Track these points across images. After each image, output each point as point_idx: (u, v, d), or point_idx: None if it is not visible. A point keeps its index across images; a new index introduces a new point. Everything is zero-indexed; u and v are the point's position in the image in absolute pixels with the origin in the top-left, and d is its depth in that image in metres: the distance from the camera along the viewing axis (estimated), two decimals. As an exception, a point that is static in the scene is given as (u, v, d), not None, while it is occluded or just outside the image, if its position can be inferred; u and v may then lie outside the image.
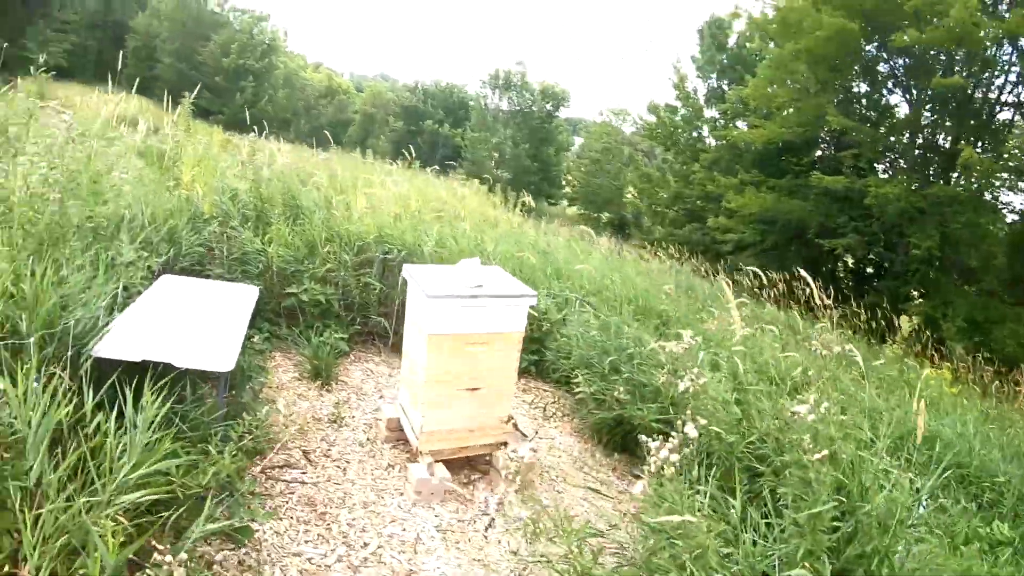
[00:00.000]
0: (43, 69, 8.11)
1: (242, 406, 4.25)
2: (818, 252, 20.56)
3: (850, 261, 21.87)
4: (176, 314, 3.87)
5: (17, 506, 2.23)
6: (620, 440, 5.31)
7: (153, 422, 2.69)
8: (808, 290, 11.31)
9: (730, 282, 12.54)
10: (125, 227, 4.73)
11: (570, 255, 10.70)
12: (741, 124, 27.16)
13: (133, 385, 2.90)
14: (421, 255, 6.55)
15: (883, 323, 12.60)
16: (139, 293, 4.11)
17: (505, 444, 4.43)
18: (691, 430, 2.23)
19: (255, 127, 10.20)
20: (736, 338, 4.85)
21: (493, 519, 4.09)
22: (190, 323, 3.79)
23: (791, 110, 20.65)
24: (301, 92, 53.67)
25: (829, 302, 8.59)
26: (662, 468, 2.29)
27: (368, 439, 4.81)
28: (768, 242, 21.15)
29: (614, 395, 5.04)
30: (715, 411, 3.89)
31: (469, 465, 4.63)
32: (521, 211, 13.29)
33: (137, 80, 8.78)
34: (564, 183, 46.65)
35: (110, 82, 7.84)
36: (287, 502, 3.92)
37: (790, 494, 2.98)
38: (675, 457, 2.16)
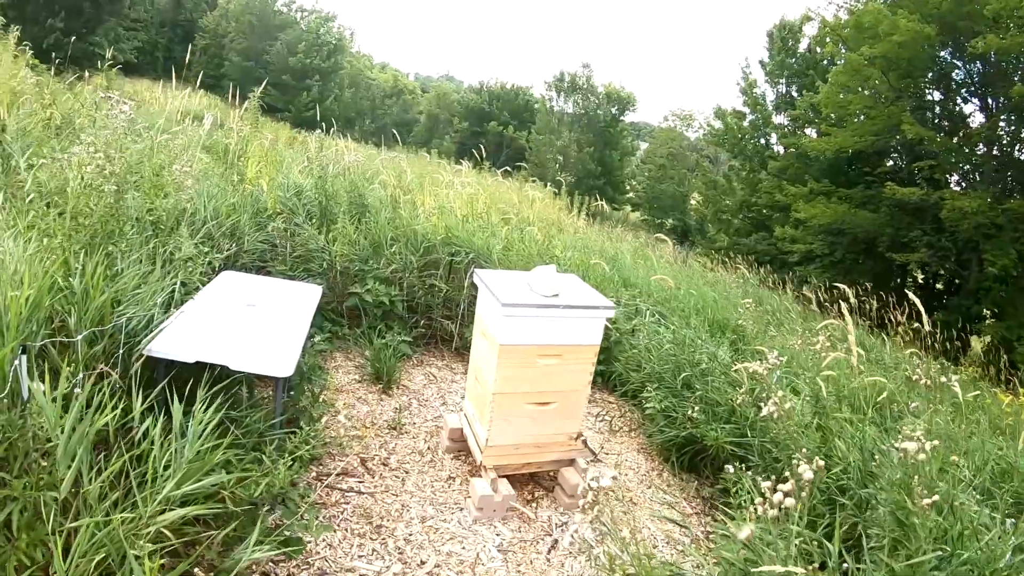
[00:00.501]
0: (110, 64, 8.15)
1: (301, 410, 4.08)
2: (886, 266, 19.83)
3: (920, 276, 21.08)
4: (235, 313, 3.71)
5: (49, 518, 2.06)
6: (689, 460, 5.02)
7: (205, 430, 2.51)
8: (878, 305, 10.92)
9: (800, 296, 12.19)
10: (186, 221, 4.60)
11: (637, 262, 10.42)
12: (810, 131, 26.43)
13: (188, 388, 2.74)
14: (489, 259, 6.33)
15: (958, 343, 11.95)
16: (198, 290, 3.96)
17: (573, 461, 4.19)
18: (807, 472, 1.94)
19: (323, 124, 10.11)
20: (828, 357, 4.51)
21: (557, 540, 3.85)
22: (249, 323, 3.62)
23: (862, 118, 19.93)
24: (366, 92, 54.16)
25: (913, 321, 8.16)
26: (764, 510, 2.01)
27: (428, 448, 4.61)
28: (837, 254, 20.43)
29: (686, 413, 4.76)
30: (797, 438, 3.60)
31: (533, 481, 4.39)
32: (587, 216, 13.03)
33: (200, 75, 8.71)
34: (628, 188, 46.13)
35: (173, 77, 7.80)
36: (342, 512, 3.73)
37: (886, 537, 2.69)
38: (790, 502, 1.88)
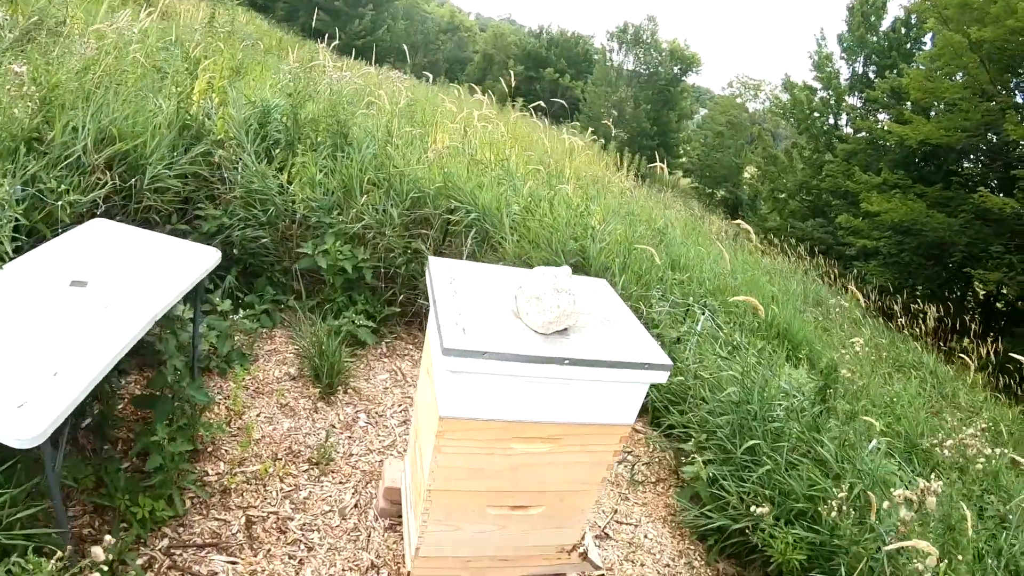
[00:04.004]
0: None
1: (154, 445, 2.61)
2: (950, 275, 18.00)
3: (981, 292, 19.13)
4: (38, 299, 2.22)
5: None
6: (730, 543, 3.50)
7: None
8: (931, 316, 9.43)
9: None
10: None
11: (688, 239, 8.79)
12: (883, 117, 24.32)
13: None
14: (500, 222, 4.78)
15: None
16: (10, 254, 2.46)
17: (562, 576, 2.66)
18: None
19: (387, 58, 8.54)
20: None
21: None
22: (46, 320, 2.12)
23: (944, 108, 17.95)
24: (421, 25, 52.04)
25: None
26: None
27: (357, 505, 3.11)
28: (904, 256, 18.48)
29: (747, 502, 3.24)
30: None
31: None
32: (636, 176, 11.40)
33: None
34: (682, 152, 43.92)
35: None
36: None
37: None
38: None
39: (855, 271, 17.16)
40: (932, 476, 2.76)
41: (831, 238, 22.42)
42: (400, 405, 4.01)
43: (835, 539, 2.90)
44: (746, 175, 39.04)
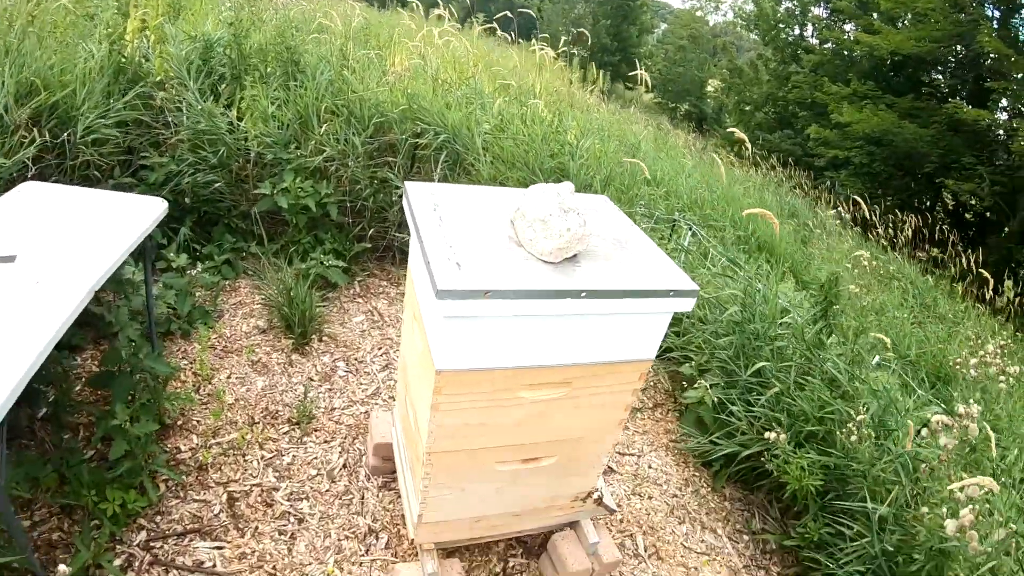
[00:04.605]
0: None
1: (117, 430, 2.32)
2: (920, 186, 18.03)
3: (950, 203, 19.05)
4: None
5: None
6: (739, 469, 3.30)
7: None
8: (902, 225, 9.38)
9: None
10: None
11: (660, 153, 8.54)
12: (849, 28, 23.83)
13: None
14: (471, 143, 4.45)
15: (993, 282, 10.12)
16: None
17: (575, 524, 2.42)
18: None
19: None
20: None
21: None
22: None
23: (912, 19, 17.62)
24: (370, -51, 50.44)
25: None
26: None
27: (345, 464, 2.85)
28: (875, 166, 18.30)
29: (754, 424, 3.04)
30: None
31: (510, 542, 2.64)
32: (600, 92, 11.03)
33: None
34: (645, 67, 43.27)
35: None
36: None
37: None
38: None
39: (827, 182, 17.03)
40: (969, 400, 2.54)
41: (799, 150, 22.18)
42: (380, 348, 3.75)
43: (852, 462, 2.71)
44: (709, 88, 38.68)
